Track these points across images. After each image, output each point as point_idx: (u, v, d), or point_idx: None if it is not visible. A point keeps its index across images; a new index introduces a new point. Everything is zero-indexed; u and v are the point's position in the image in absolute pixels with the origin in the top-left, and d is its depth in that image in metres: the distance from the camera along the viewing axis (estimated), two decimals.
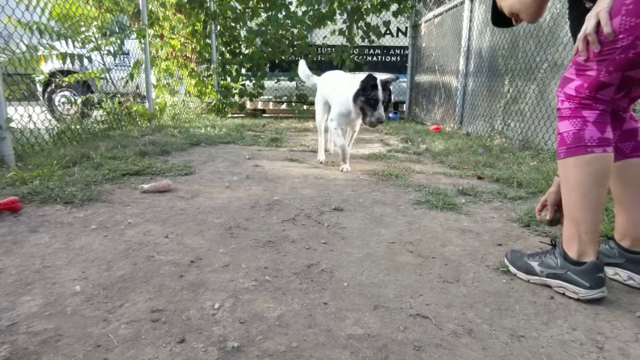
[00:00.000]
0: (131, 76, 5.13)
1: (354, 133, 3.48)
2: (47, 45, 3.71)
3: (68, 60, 3.94)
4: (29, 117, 3.49)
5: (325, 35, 7.95)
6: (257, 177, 2.94)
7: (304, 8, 7.25)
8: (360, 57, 8.29)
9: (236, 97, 7.53)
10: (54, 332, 1.08)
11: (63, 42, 4.04)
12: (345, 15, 7.65)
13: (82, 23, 4.38)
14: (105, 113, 4.81)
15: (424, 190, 2.61)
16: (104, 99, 4.85)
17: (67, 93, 6.45)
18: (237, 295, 1.30)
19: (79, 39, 4.37)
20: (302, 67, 3.85)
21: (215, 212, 2.11)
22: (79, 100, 5.06)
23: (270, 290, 1.34)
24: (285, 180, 2.86)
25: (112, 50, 4.78)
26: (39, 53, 3.70)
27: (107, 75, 4.85)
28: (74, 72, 4.93)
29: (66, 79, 4.76)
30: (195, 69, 7.13)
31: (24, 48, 3.34)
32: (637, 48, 1.14)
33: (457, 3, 6.03)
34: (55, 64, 5.61)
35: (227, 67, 7.45)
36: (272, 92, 7.96)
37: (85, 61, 4.11)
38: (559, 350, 1.07)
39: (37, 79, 4.85)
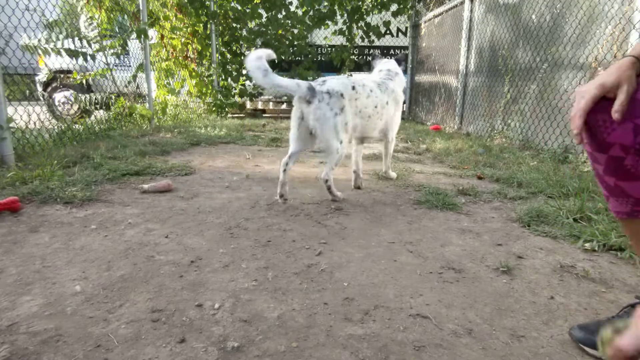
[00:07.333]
0: (134, 77, 5.15)
1: None
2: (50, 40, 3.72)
3: (68, 60, 3.96)
4: (29, 117, 3.49)
5: (326, 36, 7.96)
6: (257, 177, 2.94)
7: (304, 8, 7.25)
8: (360, 57, 8.29)
9: (236, 97, 7.53)
10: (54, 332, 1.08)
11: (66, 41, 4.05)
12: (345, 15, 7.64)
13: (86, 25, 4.40)
14: (107, 113, 4.82)
15: (424, 190, 2.60)
16: (112, 99, 4.87)
17: (67, 93, 6.45)
18: (237, 295, 1.30)
19: (86, 38, 4.39)
20: None
21: (215, 212, 2.11)
22: (73, 97, 5.08)
23: (270, 290, 1.34)
24: None
25: (117, 52, 4.81)
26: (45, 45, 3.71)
27: (110, 74, 4.86)
28: (74, 72, 4.94)
29: (71, 78, 4.78)
30: (196, 69, 7.13)
31: (27, 40, 3.34)
32: None
33: (457, 3, 6.03)
34: (55, 64, 5.62)
35: (228, 67, 7.44)
36: (272, 92, 7.96)
37: (88, 61, 4.12)
38: (559, 350, 1.07)
39: (37, 78, 4.86)
